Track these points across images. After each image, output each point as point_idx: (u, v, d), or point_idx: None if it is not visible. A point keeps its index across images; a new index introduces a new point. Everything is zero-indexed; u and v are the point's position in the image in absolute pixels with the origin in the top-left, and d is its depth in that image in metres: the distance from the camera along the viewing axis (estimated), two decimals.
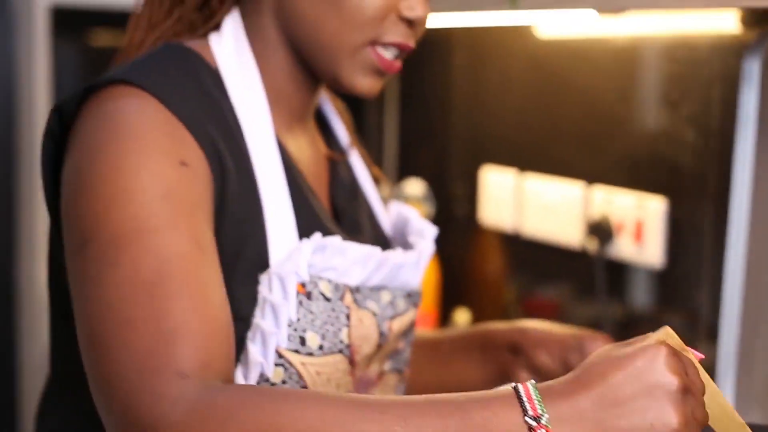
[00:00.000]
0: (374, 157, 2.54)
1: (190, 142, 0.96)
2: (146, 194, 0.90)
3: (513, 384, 0.81)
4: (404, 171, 2.49)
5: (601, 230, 1.81)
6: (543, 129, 2.05)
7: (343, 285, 1.06)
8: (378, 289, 1.12)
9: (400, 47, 1.09)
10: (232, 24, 1.11)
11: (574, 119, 1.96)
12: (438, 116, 2.39)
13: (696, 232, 1.69)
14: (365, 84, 1.09)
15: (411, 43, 1.10)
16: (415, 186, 2.24)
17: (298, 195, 1.08)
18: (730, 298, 1.33)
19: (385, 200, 1.35)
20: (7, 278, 2.77)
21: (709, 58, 1.65)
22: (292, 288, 1.00)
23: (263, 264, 1.01)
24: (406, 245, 1.24)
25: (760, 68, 1.34)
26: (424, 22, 1.10)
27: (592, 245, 1.84)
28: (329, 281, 1.04)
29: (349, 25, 1.05)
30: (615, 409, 0.77)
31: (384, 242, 1.25)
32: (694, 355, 0.83)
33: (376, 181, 1.34)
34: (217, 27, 1.13)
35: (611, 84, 1.87)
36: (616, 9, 1.30)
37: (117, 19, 1.19)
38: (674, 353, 0.80)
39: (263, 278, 1.01)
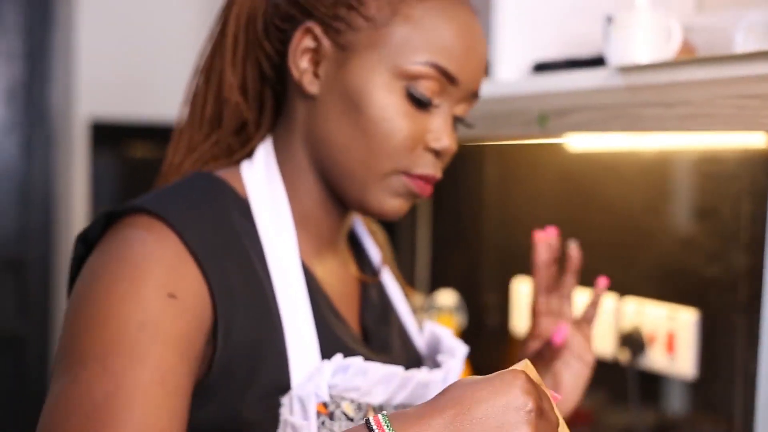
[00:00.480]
0: (407, 268, 2.57)
1: (195, 275, 0.99)
2: (124, 321, 0.93)
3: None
4: (436, 281, 2.51)
5: (633, 341, 1.82)
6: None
7: (366, 404, 1.06)
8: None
9: (431, 182, 1.12)
10: (264, 151, 1.14)
11: (605, 231, 1.98)
12: (470, 227, 2.43)
13: (727, 342, 1.69)
14: (394, 205, 1.11)
15: (438, 174, 1.12)
16: (446, 296, 2.26)
17: (322, 318, 1.09)
18: (764, 407, 1.34)
19: (417, 311, 1.36)
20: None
21: (738, 172, 1.68)
22: (313, 409, 1.01)
23: (284, 386, 1.02)
24: (437, 364, 1.24)
25: None
26: (451, 153, 1.12)
27: (624, 356, 1.85)
28: (352, 401, 1.05)
29: (376, 153, 1.07)
30: (468, 428, 0.78)
31: (416, 361, 1.26)
32: (551, 393, 0.85)
33: (407, 295, 1.36)
34: (251, 153, 1.17)
35: (642, 196, 1.90)
36: (641, 130, 1.33)
37: (153, 133, 1.23)
38: (531, 381, 0.82)
39: (284, 400, 1.02)
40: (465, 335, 2.28)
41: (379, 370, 1.07)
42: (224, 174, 1.13)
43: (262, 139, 1.17)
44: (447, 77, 1.08)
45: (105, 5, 3.01)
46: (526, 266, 2.19)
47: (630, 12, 1.39)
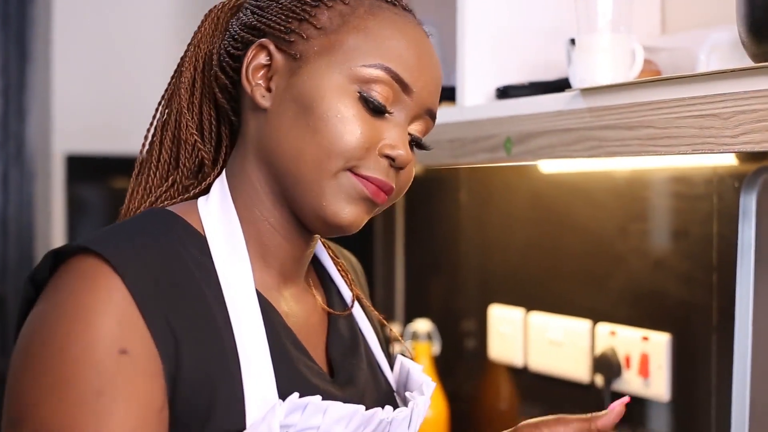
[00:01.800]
0: (383, 296, 2.57)
1: (139, 324, 0.98)
2: (82, 390, 0.94)
3: None
4: (412, 309, 2.51)
5: (608, 365, 1.82)
6: (548, 265, 2.07)
7: None
8: None
9: (379, 185, 1.09)
10: (219, 184, 1.14)
11: (578, 255, 1.98)
12: (444, 254, 2.42)
13: (702, 364, 1.69)
14: (349, 213, 1.09)
15: (392, 183, 1.10)
16: (421, 325, 2.26)
17: (282, 354, 1.08)
18: (738, 428, 1.34)
19: (396, 338, 1.34)
20: None
21: (708, 192, 1.68)
22: None
23: (240, 426, 1.01)
24: (406, 400, 1.22)
25: (756, 203, 1.37)
26: (406, 164, 1.11)
27: (599, 380, 1.84)
28: None
29: (327, 152, 1.06)
30: None
31: (387, 395, 1.23)
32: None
33: (382, 324, 1.34)
34: (208, 189, 1.16)
35: (613, 218, 1.90)
36: (605, 153, 1.33)
37: (130, 165, 1.24)
38: None
39: None
40: (441, 362, 2.27)
41: (339, 409, 1.05)
42: (180, 210, 1.12)
43: (218, 175, 1.16)
44: (399, 83, 1.09)
45: (81, 42, 3.02)
46: (502, 292, 2.20)
47: (592, 35, 1.40)
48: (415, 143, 1.14)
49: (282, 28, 1.11)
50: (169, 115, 1.19)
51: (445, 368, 2.27)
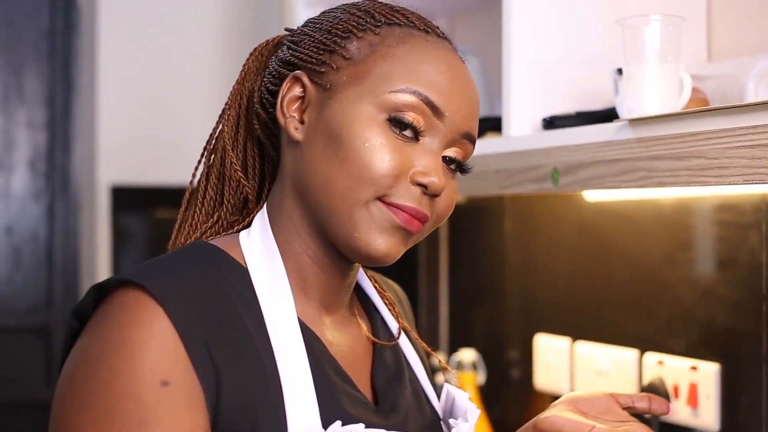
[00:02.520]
0: (427, 326, 2.57)
1: (181, 355, 0.99)
2: (125, 422, 0.96)
3: None
4: (457, 338, 2.50)
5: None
6: (594, 294, 2.06)
7: None
8: None
9: (412, 214, 1.08)
10: (260, 218, 1.15)
11: (625, 283, 1.97)
12: (489, 283, 2.42)
13: (751, 393, 1.67)
14: (382, 244, 1.08)
15: (425, 211, 1.08)
16: (466, 354, 2.25)
17: (325, 383, 1.08)
18: None
19: (444, 367, 1.34)
20: None
21: (757, 220, 1.67)
22: None
23: None
24: (452, 428, 1.22)
25: None
26: (439, 191, 1.09)
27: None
28: None
29: (357, 181, 1.06)
30: None
31: (432, 425, 1.23)
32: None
33: (428, 354, 1.34)
34: (250, 224, 1.18)
35: (660, 246, 1.89)
36: (653, 184, 1.33)
37: (174, 195, 1.25)
38: None
39: None
40: (487, 392, 2.26)
41: None
42: (222, 243, 1.13)
43: (259, 210, 1.18)
44: (430, 107, 1.08)
45: (125, 74, 3.05)
46: (547, 321, 2.19)
47: (640, 64, 1.39)
48: (457, 167, 1.13)
49: (314, 60, 1.12)
50: (215, 152, 1.21)
51: (490, 398, 2.26)
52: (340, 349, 1.15)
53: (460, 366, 2.23)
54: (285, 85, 1.13)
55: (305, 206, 1.12)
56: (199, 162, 1.23)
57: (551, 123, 1.58)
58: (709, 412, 1.72)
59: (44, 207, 3.14)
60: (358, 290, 1.27)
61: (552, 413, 1.16)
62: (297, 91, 1.13)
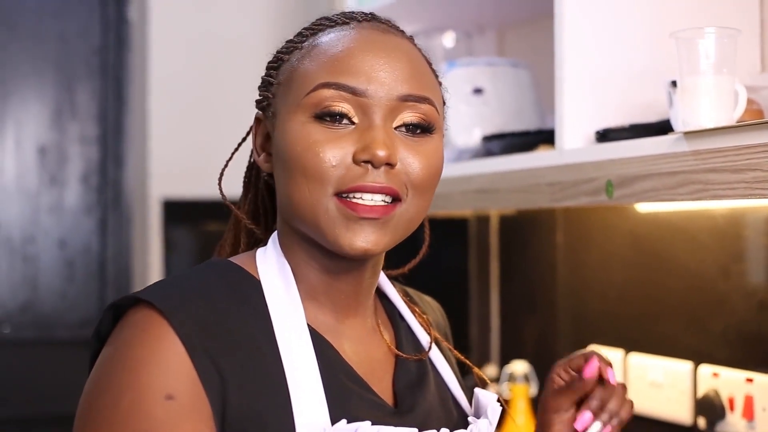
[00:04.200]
0: (478, 337, 2.57)
1: (187, 368, 1.03)
2: None
3: None
4: (509, 350, 2.50)
5: (711, 407, 1.79)
6: (647, 306, 2.05)
7: None
8: None
9: (370, 190, 1.08)
10: (273, 238, 1.19)
11: (678, 295, 1.96)
12: (541, 295, 2.42)
13: None
14: (353, 238, 1.08)
15: (383, 183, 1.08)
16: (518, 366, 2.25)
17: (335, 387, 1.10)
18: None
19: (480, 379, 1.33)
20: None
21: None
22: None
23: None
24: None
25: None
26: (385, 160, 1.08)
27: (702, 422, 1.82)
28: None
29: (307, 185, 1.08)
30: None
31: (458, 426, 1.22)
32: None
33: (464, 364, 1.33)
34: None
35: (714, 257, 1.88)
36: (709, 196, 1.33)
37: (223, 209, 1.29)
38: None
39: None
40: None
41: None
42: (238, 259, 1.18)
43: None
44: (348, 90, 1.09)
45: (176, 89, 3.08)
46: (600, 332, 2.18)
47: (695, 77, 1.39)
48: (419, 129, 1.12)
49: (261, 97, 1.19)
50: (250, 170, 1.28)
51: None
52: (357, 355, 1.17)
53: (512, 378, 2.23)
54: (253, 130, 1.21)
55: (292, 225, 1.16)
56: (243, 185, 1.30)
57: (605, 136, 1.58)
58: (765, 424, 1.71)
59: (96, 221, 3.18)
60: (385, 302, 1.29)
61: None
62: (262, 129, 1.20)
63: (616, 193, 1.50)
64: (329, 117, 1.09)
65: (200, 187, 3.04)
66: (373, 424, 1.07)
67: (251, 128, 1.25)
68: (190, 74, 3.10)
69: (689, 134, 1.36)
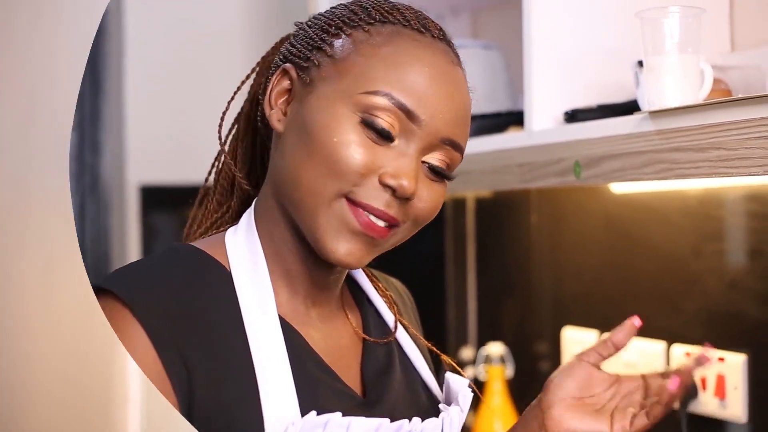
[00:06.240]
0: (455, 320, 2.57)
1: (152, 357, 1.02)
2: None
3: None
4: (485, 332, 2.50)
5: (683, 387, 1.80)
6: (621, 287, 2.06)
7: None
8: None
9: (376, 214, 1.07)
10: (247, 215, 1.17)
11: (651, 276, 1.97)
12: (516, 277, 2.42)
13: None
14: (341, 247, 1.07)
15: (393, 214, 1.07)
16: (494, 348, 2.26)
17: (303, 376, 1.09)
18: None
19: (448, 364, 1.32)
20: None
21: None
22: None
23: None
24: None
25: None
26: (408, 194, 1.07)
27: (676, 402, 1.82)
28: None
29: (323, 175, 1.06)
30: None
31: (428, 412, 1.21)
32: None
33: (433, 351, 1.32)
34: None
35: (687, 238, 1.88)
36: (675, 176, 1.33)
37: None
38: None
39: None
40: (515, 385, 2.26)
41: (362, 423, 1.06)
42: (204, 244, 1.15)
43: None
44: (405, 112, 1.06)
45: (152, 75, 3.08)
46: (575, 314, 2.18)
47: (660, 56, 1.39)
48: (440, 174, 1.11)
49: (301, 55, 1.13)
50: (247, 119, 1.25)
51: (518, 391, 2.26)
52: (325, 343, 1.16)
53: (488, 359, 2.24)
54: (275, 78, 1.14)
55: (281, 201, 1.13)
56: (217, 156, 1.26)
57: (573, 116, 1.59)
58: (737, 403, 1.72)
59: (74, 208, 3.17)
60: (351, 283, 1.27)
61: (557, 404, 1.24)
62: (285, 84, 1.14)
63: (583, 174, 1.50)
64: (373, 126, 1.06)
65: (177, 172, 3.04)
66: (343, 415, 1.06)
67: (254, 70, 1.22)
68: (167, 60, 3.10)
69: (654, 114, 1.36)
